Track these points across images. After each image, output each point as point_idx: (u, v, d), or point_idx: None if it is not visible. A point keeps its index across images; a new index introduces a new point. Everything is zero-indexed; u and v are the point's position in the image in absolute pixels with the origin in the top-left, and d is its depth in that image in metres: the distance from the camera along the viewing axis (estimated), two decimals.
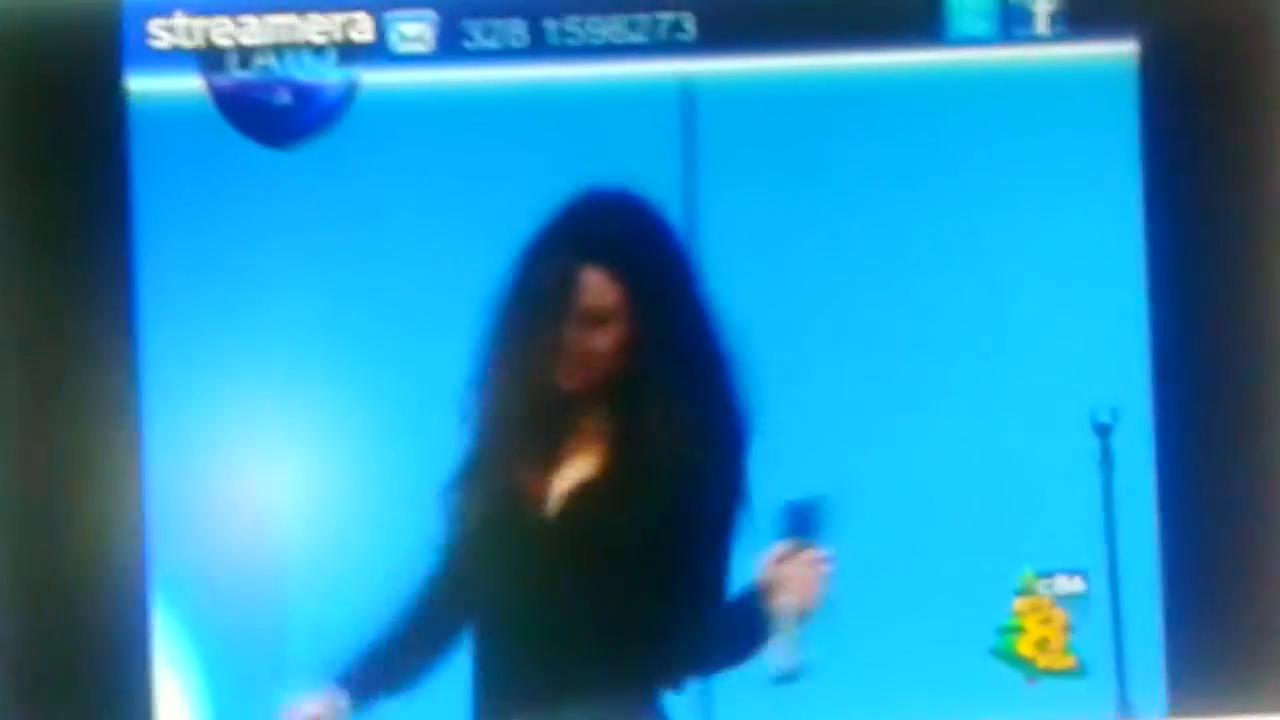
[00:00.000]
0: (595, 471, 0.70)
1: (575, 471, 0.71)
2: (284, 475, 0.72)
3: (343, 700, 0.70)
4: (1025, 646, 0.72)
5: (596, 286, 0.69)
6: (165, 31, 0.72)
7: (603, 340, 0.69)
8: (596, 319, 0.69)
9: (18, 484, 0.72)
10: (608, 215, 0.70)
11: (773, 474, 0.70)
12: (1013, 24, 0.71)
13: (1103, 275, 0.72)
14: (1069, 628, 0.72)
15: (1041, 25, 0.71)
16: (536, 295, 0.69)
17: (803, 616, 0.68)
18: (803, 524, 0.68)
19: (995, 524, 0.72)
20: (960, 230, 0.72)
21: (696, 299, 0.71)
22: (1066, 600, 0.72)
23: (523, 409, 0.70)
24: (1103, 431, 0.71)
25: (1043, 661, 0.72)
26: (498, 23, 0.72)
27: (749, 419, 0.71)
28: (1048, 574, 0.72)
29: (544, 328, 0.69)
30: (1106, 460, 0.71)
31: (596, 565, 0.70)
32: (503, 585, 0.71)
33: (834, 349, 0.72)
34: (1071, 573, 0.72)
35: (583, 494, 0.70)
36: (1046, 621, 0.72)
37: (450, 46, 0.72)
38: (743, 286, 0.71)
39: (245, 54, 0.72)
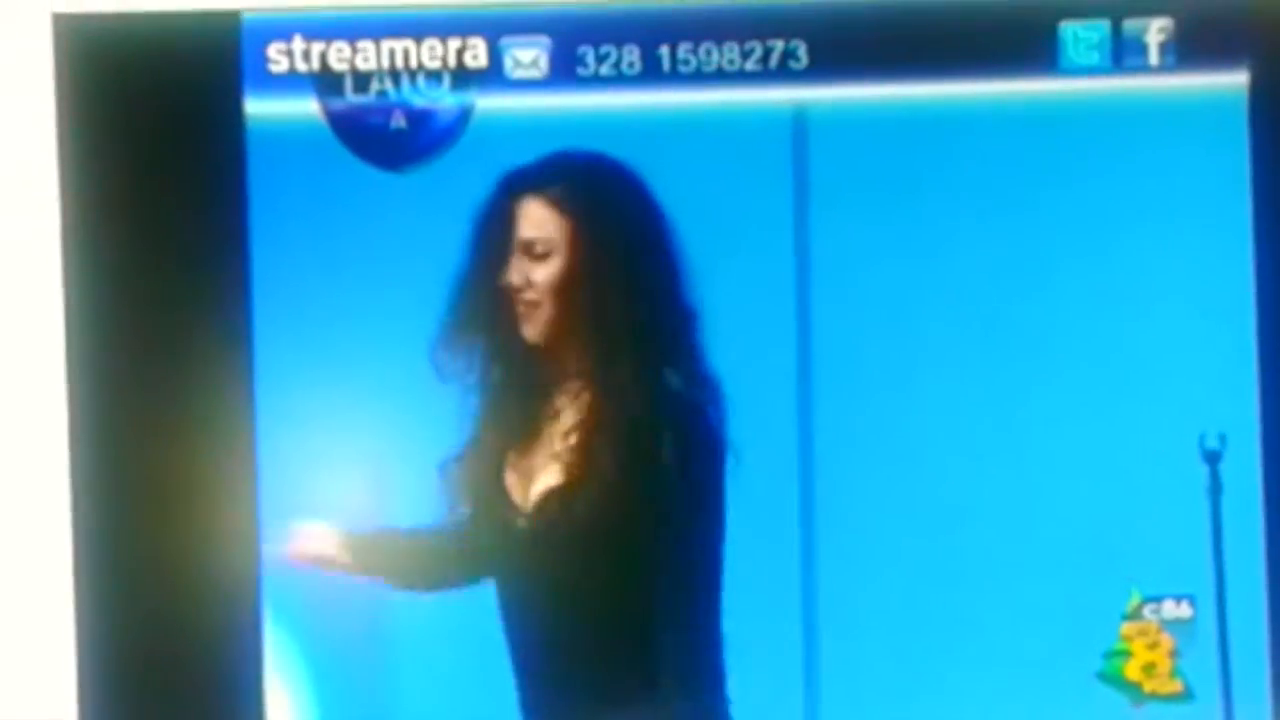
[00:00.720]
0: (572, 458, 0.70)
1: (553, 460, 0.70)
2: (393, 492, 0.73)
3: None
4: (1132, 671, 0.72)
5: (535, 216, 0.69)
6: (283, 55, 0.73)
7: (544, 273, 0.69)
8: (538, 252, 0.69)
9: (134, 499, 0.72)
10: (562, 159, 0.71)
11: (888, 494, 0.71)
12: (1125, 54, 0.72)
13: (1212, 303, 0.72)
14: (1176, 652, 0.72)
15: (1153, 56, 0.72)
16: (481, 237, 0.70)
17: None
18: None
19: (1104, 548, 0.72)
20: (1070, 258, 0.73)
21: (663, 250, 0.70)
22: (1174, 625, 0.72)
23: (496, 370, 0.70)
24: (1211, 458, 0.72)
25: (1149, 686, 0.72)
26: (611, 49, 0.73)
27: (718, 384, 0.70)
28: (1155, 599, 0.72)
29: (492, 272, 0.70)
30: (1215, 486, 0.72)
31: (581, 567, 0.69)
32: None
33: (943, 375, 0.72)
34: (1179, 598, 0.72)
35: (558, 492, 0.70)
36: (1153, 646, 0.72)
37: (564, 72, 0.73)
38: (852, 312, 0.72)
39: (361, 78, 0.73)
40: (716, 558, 0.70)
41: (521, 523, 0.71)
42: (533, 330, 0.70)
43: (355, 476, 0.73)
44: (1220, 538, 0.72)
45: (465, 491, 0.72)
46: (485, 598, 0.72)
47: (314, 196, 0.73)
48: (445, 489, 0.72)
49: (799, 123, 0.73)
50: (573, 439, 0.70)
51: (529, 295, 0.70)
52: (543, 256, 0.70)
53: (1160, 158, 0.72)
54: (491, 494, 0.72)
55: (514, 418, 0.71)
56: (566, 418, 0.71)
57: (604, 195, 0.71)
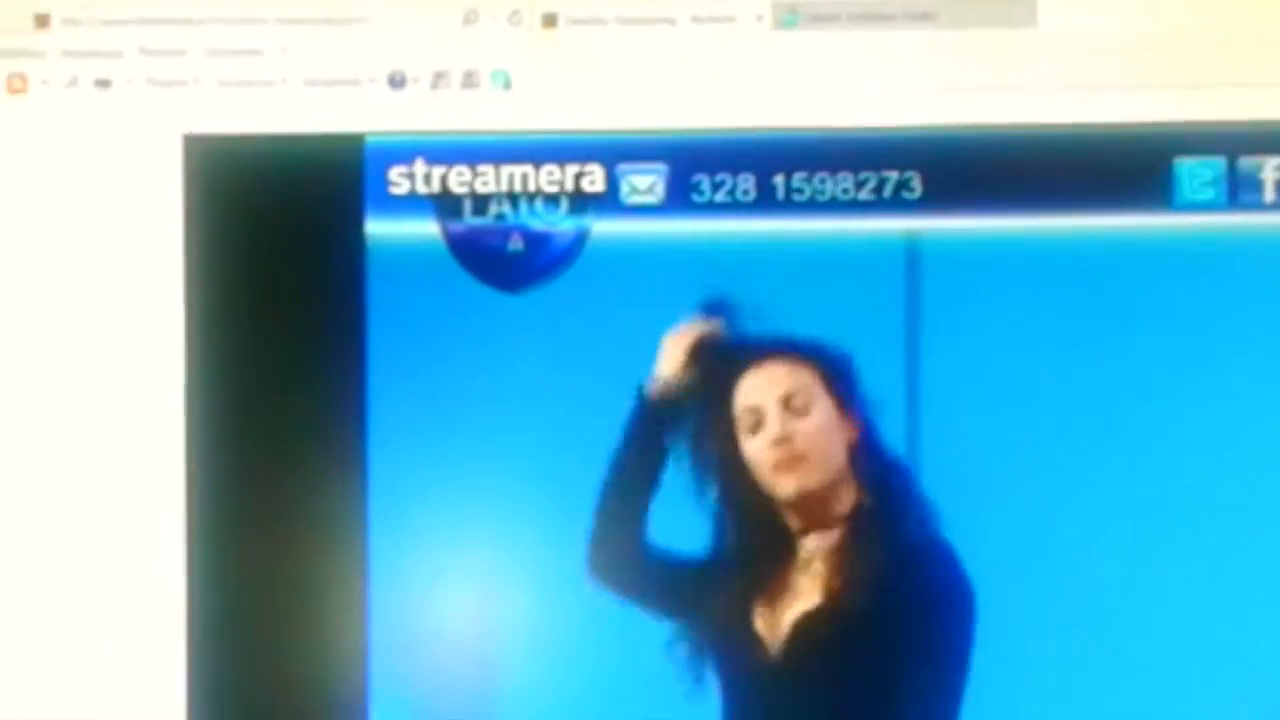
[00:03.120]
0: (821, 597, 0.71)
1: (800, 600, 0.71)
2: (505, 608, 0.74)
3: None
4: None
5: (781, 372, 0.71)
6: (404, 178, 0.75)
7: (809, 424, 0.71)
8: (797, 405, 0.71)
9: (249, 610, 0.74)
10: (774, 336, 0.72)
11: (1016, 632, 0.71)
12: (1240, 191, 0.72)
13: None
14: None
15: (1269, 193, 0.72)
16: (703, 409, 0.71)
17: None
18: None
19: (1260, 671, 0.72)
20: (1182, 395, 0.72)
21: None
22: None
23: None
24: None
25: None
26: (727, 177, 0.74)
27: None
28: None
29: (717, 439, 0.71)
30: None
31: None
32: None
33: (1057, 510, 0.72)
34: None
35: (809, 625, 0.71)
36: None
37: (679, 199, 0.74)
38: (964, 443, 0.73)
39: (480, 201, 0.75)
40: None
41: (771, 656, 0.72)
42: (795, 485, 0.71)
43: (469, 595, 0.74)
44: None
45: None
46: (605, 699, 0.73)
47: (431, 315, 0.75)
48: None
49: (912, 253, 0.73)
50: (831, 574, 0.71)
51: (795, 449, 0.71)
52: (803, 408, 0.71)
53: (1275, 296, 0.72)
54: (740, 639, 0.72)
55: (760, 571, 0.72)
56: (822, 553, 0.72)
57: (821, 347, 0.72)
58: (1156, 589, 0.72)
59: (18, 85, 0.75)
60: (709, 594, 0.73)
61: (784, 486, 0.72)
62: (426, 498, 0.74)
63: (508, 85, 0.74)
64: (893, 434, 0.73)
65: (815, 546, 0.72)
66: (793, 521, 0.72)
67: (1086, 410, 0.73)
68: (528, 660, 0.74)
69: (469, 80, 0.74)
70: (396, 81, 0.74)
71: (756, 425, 0.72)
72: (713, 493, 0.73)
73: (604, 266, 0.74)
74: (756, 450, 0.72)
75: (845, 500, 0.72)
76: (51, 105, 0.75)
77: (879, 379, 0.73)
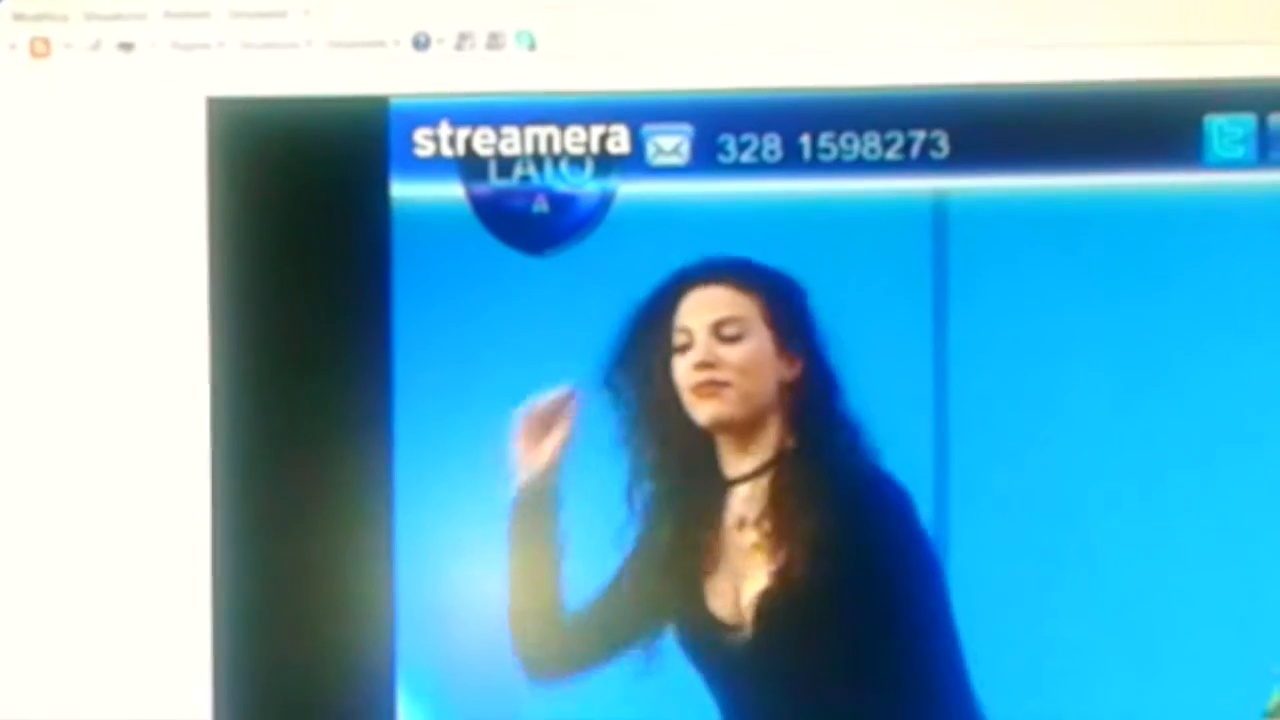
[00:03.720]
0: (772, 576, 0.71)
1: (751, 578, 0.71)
2: (527, 573, 0.74)
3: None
4: None
5: (720, 298, 0.71)
6: (429, 140, 0.74)
7: (739, 353, 0.71)
8: (729, 334, 0.71)
9: (273, 579, 0.74)
10: (721, 258, 0.72)
11: (1024, 590, 0.71)
12: (1271, 149, 0.72)
13: None
14: None
15: None
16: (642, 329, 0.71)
17: None
18: None
19: (1246, 643, 0.71)
20: (1211, 351, 0.72)
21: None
22: None
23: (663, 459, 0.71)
24: None
25: None
26: (753, 137, 0.73)
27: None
28: None
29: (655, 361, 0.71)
30: None
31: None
32: None
33: (1082, 467, 0.72)
34: None
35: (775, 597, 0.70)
36: None
37: (705, 159, 0.74)
38: (991, 401, 0.72)
39: (505, 163, 0.74)
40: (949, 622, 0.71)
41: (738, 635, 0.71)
42: (713, 412, 0.71)
43: (494, 563, 0.73)
44: None
45: (650, 602, 0.72)
46: (622, 683, 0.72)
47: (456, 277, 0.74)
48: (621, 600, 0.72)
49: (939, 212, 0.73)
50: (774, 532, 0.70)
51: (715, 375, 0.71)
52: (735, 337, 0.71)
53: None
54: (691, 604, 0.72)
55: (694, 514, 0.72)
56: (755, 507, 0.71)
57: (773, 278, 0.71)
58: (1180, 552, 0.72)
59: (40, 49, 0.75)
60: (650, 579, 0.72)
61: (701, 412, 0.71)
62: (452, 462, 0.73)
63: (533, 46, 0.74)
64: (920, 394, 0.72)
65: (746, 498, 0.72)
66: (720, 453, 0.72)
67: (1115, 369, 0.72)
68: (550, 627, 0.73)
69: (494, 41, 0.74)
70: (421, 43, 0.74)
71: (686, 346, 0.71)
72: (641, 415, 0.72)
73: (629, 228, 0.74)
74: (681, 371, 0.71)
75: (770, 439, 0.71)
76: (75, 69, 0.75)
77: (906, 339, 0.73)
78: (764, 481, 0.72)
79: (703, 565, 0.72)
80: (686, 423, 0.72)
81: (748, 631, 0.72)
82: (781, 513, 0.71)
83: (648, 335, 0.72)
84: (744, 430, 0.72)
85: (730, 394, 0.71)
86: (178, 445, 0.74)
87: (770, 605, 0.71)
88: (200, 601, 0.74)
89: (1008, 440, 0.72)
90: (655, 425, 0.72)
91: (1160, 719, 0.72)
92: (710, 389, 0.71)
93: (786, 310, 0.72)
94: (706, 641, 0.72)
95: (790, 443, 0.72)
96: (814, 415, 0.72)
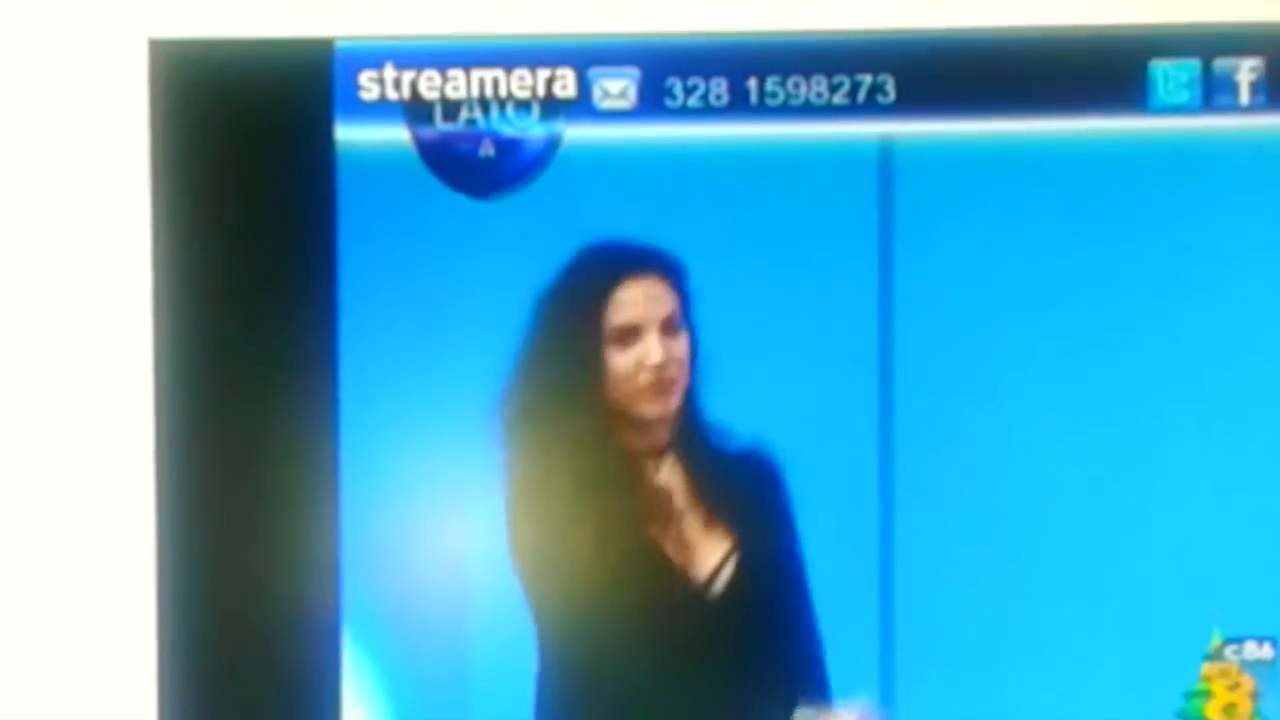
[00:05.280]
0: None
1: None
2: (473, 516, 0.73)
3: None
4: (1212, 711, 0.72)
5: (655, 292, 0.71)
6: (374, 83, 0.74)
7: (680, 348, 0.71)
8: (673, 328, 0.71)
9: (216, 520, 0.73)
10: (633, 247, 0.72)
11: (968, 529, 0.71)
12: (1215, 94, 0.72)
13: None
14: (1257, 694, 0.72)
15: (1244, 95, 0.72)
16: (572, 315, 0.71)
17: None
18: None
19: (1186, 587, 0.72)
20: (1155, 296, 0.73)
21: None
22: (1255, 666, 0.72)
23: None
24: None
25: None
26: (699, 81, 0.73)
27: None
28: (1237, 640, 0.72)
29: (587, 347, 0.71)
30: None
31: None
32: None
33: (1026, 411, 0.73)
34: (1261, 639, 0.72)
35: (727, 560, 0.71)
36: (1234, 687, 0.72)
37: (652, 103, 0.73)
38: (936, 346, 0.72)
39: (450, 106, 0.74)
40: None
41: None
42: (662, 406, 0.72)
43: (439, 504, 0.73)
44: None
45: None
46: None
47: (401, 221, 0.74)
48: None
49: (885, 157, 0.73)
50: (691, 509, 0.71)
51: (668, 373, 0.71)
52: (676, 331, 0.71)
53: (1249, 197, 0.72)
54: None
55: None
56: (667, 488, 0.72)
57: (676, 263, 0.72)
58: (1126, 502, 0.73)
59: None
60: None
61: (651, 409, 0.72)
62: (397, 405, 0.73)
63: None
64: (864, 341, 0.73)
65: (661, 472, 0.72)
66: (627, 440, 0.72)
67: (1060, 313, 0.72)
68: (499, 573, 0.73)
69: None
70: None
71: (632, 341, 0.72)
72: (551, 398, 0.72)
73: (576, 172, 0.73)
74: (628, 366, 0.71)
75: (667, 434, 0.73)
76: (14, 10, 0.74)
77: (852, 284, 0.73)
78: (671, 458, 0.73)
79: (649, 532, 0.72)
80: (599, 409, 0.72)
81: (711, 596, 0.72)
82: (697, 481, 0.72)
83: (576, 321, 0.72)
84: (663, 420, 0.73)
85: (676, 388, 0.72)
86: (120, 390, 0.73)
87: (730, 567, 0.72)
88: (145, 550, 0.73)
89: (952, 389, 0.72)
90: (567, 409, 0.72)
91: (1107, 664, 0.72)
92: (664, 385, 0.72)
93: (689, 293, 0.72)
94: (664, 591, 0.73)
95: (683, 430, 0.72)
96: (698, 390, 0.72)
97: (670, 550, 0.72)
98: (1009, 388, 0.72)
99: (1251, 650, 0.72)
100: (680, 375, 0.72)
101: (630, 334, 0.72)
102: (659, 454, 0.73)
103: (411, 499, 0.73)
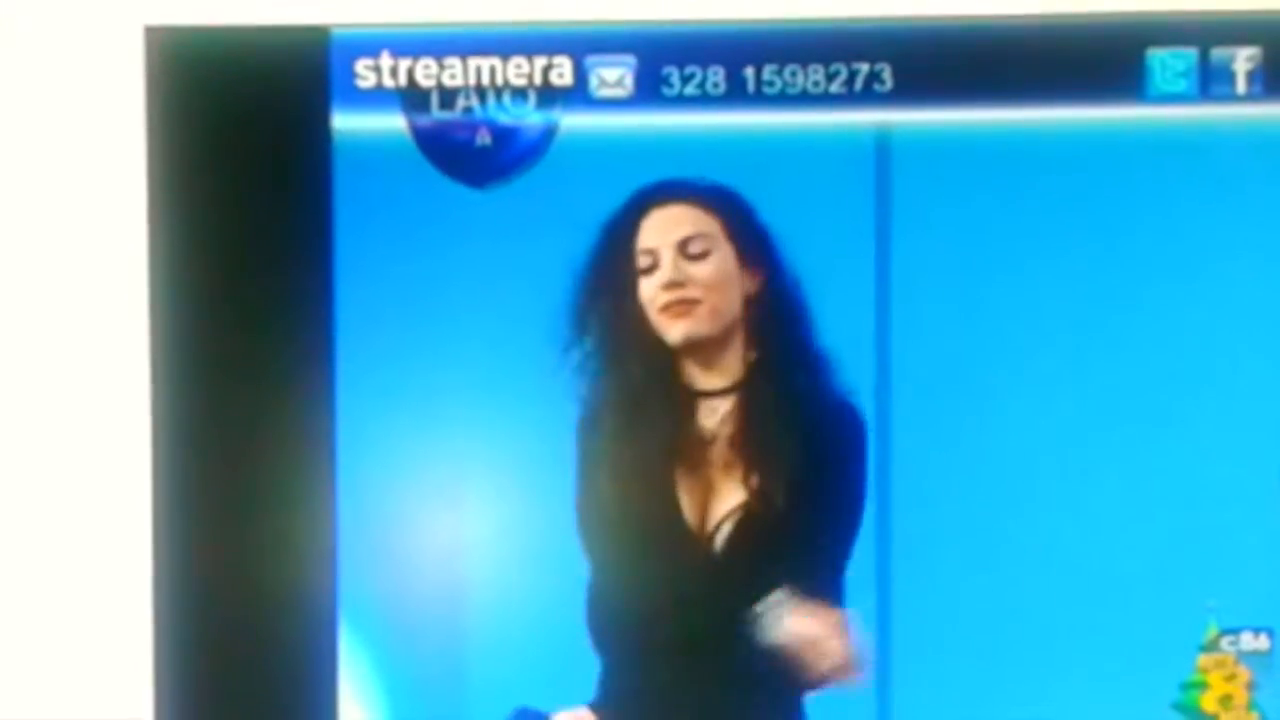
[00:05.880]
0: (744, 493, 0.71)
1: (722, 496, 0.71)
2: (471, 507, 0.73)
3: None
4: (1208, 702, 0.72)
5: (686, 216, 0.71)
6: (370, 71, 0.73)
7: (706, 270, 0.70)
8: (694, 251, 0.70)
9: (215, 514, 0.73)
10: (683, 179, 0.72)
11: (964, 519, 0.71)
12: (1212, 83, 0.72)
13: None
14: (1253, 685, 0.72)
15: (1240, 85, 0.72)
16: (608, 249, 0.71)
17: None
18: None
19: (1182, 579, 0.72)
20: (1152, 284, 0.72)
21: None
22: (1251, 657, 0.72)
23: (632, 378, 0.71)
24: None
25: (1225, 718, 0.72)
26: (696, 69, 0.73)
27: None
28: (1233, 631, 0.72)
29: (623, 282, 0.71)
30: None
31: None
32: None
33: (1023, 400, 0.72)
34: (1257, 630, 0.72)
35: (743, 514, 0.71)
36: (1230, 678, 0.72)
37: (648, 92, 0.73)
38: (933, 334, 0.72)
39: (447, 94, 0.74)
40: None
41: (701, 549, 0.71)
42: (685, 329, 0.71)
43: (436, 494, 0.73)
44: None
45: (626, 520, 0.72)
46: (560, 606, 0.72)
47: (398, 210, 0.74)
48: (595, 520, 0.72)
49: (882, 145, 0.73)
50: (745, 448, 0.71)
51: (686, 294, 0.70)
52: (702, 254, 0.71)
53: (1246, 186, 0.72)
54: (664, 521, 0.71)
55: (663, 432, 0.71)
56: (725, 428, 0.71)
57: (728, 194, 0.71)
58: (1119, 491, 0.72)
59: None
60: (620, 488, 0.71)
61: (673, 332, 0.71)
62: (394, 392, 0.73)
63: None
64: (861, 326, 0.73)
65: (716, 414, 0.71)
66: (687, 374, 0.71)
67: (1056, 300, 0.72)
68: (494, 561, 0.73)
69: None
70: None
71: (651, 267, 0.71)
72: (606, 341, 0.71)
73: (572, 161, 0.73)
74: (649, 292, 0.71)
75: (737, 355, 0.71)
76: None
77: (849, 271, 0.73)
78: (733, 398, 0.72)
79: (675, 474, 0.72)
80: (654, 343, 0.71)
81: (709, 543, 0.72)
82: (752, 429, 0.71)
83: (610, 260, 0.72)
84: (712, 346, 0.72)
85: (701, 311, 0.71)
86: (115, 380, 0.73)
87: (736, 521, 0.71)
88: (141, 540, 0.73)
89: (948, 376, 0.72)
90: (621, 348, 0.71)
91: (1104, 656, 0.72)
92: (682, 308, 0.71)
93: (746, 225, 0.71)
94: (672, 549, 0.72)
95: (755, 356, 0.71)
96: (778, 330, 0.72)
97: (683, 496, 0.72)
98: (1005, 376, 0.72)
99: (1248, 641, 0.72)
100: (707, 297, 0.71)
101: (649, 259, 0.71)
102: (719, 395, 0.72)
103: (408, 488, 0.73)
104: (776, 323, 0.71)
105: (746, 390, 0.71)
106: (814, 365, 0.71)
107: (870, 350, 0.73)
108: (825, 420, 0.71)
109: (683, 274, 0.71)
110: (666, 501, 0.71)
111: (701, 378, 0.72)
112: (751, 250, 0.71)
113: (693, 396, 0.72)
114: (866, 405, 0.72)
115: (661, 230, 0.71)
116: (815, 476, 0.70)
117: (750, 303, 0.71)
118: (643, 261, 0.71)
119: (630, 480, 0.71)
